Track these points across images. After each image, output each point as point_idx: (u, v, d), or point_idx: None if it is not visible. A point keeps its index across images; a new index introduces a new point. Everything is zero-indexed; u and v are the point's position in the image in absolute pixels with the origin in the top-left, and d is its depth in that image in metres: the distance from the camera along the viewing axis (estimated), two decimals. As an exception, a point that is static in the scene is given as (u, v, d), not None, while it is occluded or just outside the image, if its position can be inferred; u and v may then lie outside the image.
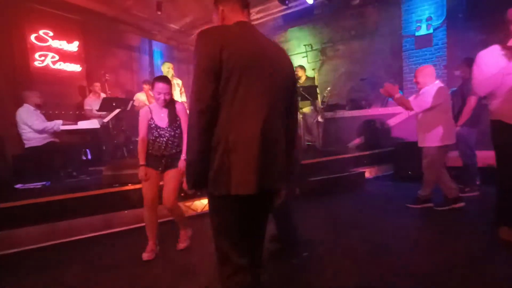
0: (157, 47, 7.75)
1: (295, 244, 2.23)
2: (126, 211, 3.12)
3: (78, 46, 6.11)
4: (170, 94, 2.40)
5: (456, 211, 3.08)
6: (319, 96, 5.69)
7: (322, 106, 6.14)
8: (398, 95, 3.07)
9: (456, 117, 3.43)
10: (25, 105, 3.99)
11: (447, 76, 5.73)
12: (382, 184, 4.55)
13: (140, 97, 5.33)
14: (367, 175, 4.54)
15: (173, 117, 2.42)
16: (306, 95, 5.34)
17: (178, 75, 4.93)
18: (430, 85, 3.00)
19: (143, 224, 3.11)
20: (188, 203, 3.42)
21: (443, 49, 5.79)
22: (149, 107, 2.44)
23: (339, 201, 3.73)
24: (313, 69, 6.61)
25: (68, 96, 5.71)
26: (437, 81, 3.05)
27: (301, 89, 5.54)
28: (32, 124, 3.87)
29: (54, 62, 5.80)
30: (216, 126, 1.05)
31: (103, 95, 5.33)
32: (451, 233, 2.57)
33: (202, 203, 3.47)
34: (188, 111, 1.15)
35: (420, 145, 3.19)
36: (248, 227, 1.17)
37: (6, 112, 4.74)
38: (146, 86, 5.22)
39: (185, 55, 8.11)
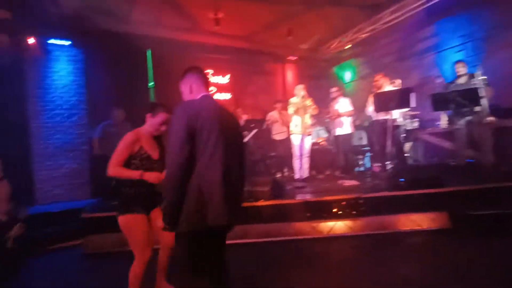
0: (288, 68, 8.39)
1: None
2: (258, 225, 3.47)
3: (229, 78, 7.59)
4: None
5: None
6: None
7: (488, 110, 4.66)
8: None
9: None
10: None
11: None
12: None
13: (274, 114, 5.88)
14: None
15: (162, 149, 2.12)
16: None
17: (309, 90, 5.11)
18: None
19: (272, 239, 3.35)
20: (314, 224, 3.44)
21: None
22: (135, 133, 2.02)
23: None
24: (474, 66, 5.15)
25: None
26: None
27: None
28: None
29: (212, 94, 7.44)
30: (191, 175, 1.39)
31: (244, 116, 6.28)
32: None
33: (327, 226, 3.40)
34: (169, 165, 1.41)
35: None
36: (216, 255, 1.53)
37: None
38: (278, 105, 5.80)
39: (315, 71, 8.33)
